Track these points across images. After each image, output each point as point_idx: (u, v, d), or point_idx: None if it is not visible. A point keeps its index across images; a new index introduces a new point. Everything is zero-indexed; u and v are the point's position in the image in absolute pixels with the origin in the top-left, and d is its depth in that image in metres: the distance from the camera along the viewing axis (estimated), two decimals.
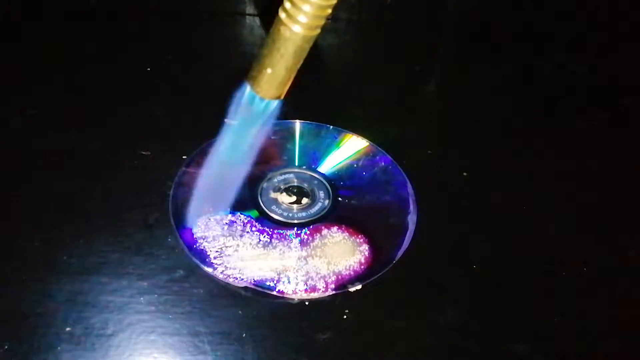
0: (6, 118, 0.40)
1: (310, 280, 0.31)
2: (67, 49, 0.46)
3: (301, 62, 0.24)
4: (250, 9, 0.52)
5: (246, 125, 0.26)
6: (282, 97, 0.25)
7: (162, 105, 0.41)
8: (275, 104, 0.25)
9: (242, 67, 0.46)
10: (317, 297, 0.31)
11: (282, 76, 0.24)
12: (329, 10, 0.23)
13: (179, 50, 0.47)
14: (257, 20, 0.51)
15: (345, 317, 0.30)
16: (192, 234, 0.33)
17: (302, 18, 0.23)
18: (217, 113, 0.40)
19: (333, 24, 0.52)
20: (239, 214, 0.34)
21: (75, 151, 0.38)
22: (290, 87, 0.26)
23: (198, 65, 0.46)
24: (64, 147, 0.38)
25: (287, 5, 0.23)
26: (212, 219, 0.33)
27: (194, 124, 0.40)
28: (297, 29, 0.23)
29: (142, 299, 0.30)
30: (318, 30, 0.24)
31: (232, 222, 0.33)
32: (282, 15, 0.23)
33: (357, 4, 0.52)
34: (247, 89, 0.25)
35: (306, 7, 0.23)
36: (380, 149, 0.38)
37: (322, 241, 0.33)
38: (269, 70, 0.24)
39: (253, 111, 0.25)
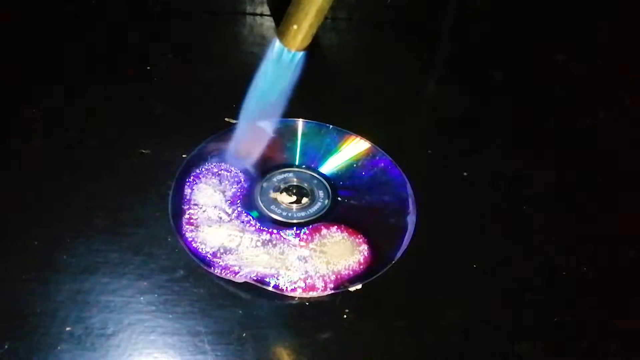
0: (6, 118, 0.40)
1: (309, 280, 0.31)
2: (67, 49, 0.46)
3: (322, 19, 0.28)
4: (250, 8, 0.52)
5: (276, 73, 0.31)
6: (305, 49, 0.30)
7: (162, 104, 0.41)
8: (299, 55, 0.30)
9: (242, 66, 0.47)
10: (317, 296, 0.31)
11: (306, 32, 0.28)
12: None
13: (179, 50, 0.47)
14: (257, 19, 0.51)
15: (345, 316, 0.30)
16: (192, 234, 0.33)
17: None
18: (217, 112, 0.40)
19: (333, 23, 0.52)
20: (240, 209, 0.34)
21: (75, 151, 0.38)
22: (312, 41, 0.30)
23: (198, 64, 0.46)
24: (64, 147, 0.38)
25: None
26: (213, 219, 0.33)
27: (194, 123, 0.40)
28: None
29: (142, 298, 0.30)
30: None
31: (232, 220, 0.33)
32: None
33: (357, 3, 0.52)
34: (276, 42, 0.29)
35: None
36: (380, 149, 0.38)
37: (322, 241, 0.33)
38: (294, 27, 0.28)
39: (281, 61, 0.30)
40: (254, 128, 0.36)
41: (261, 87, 0.32)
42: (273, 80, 0.31)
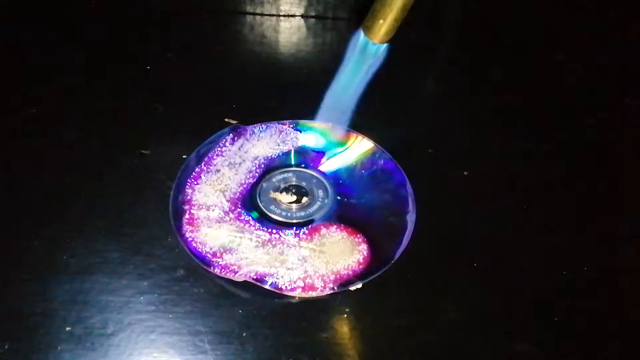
0: (6, 118, 0.40)
1: (309, 279, 0.31)
2: (67, 49, 0.46)
3: (406, 13, 0.30)
4: (250, 7, 0.52)
5: (361, 64, 0.33)
6: (388, 41, 0.31)
7: (162, 104, 0.41)
8: (384, 47, 0.32)
9: (243, 65, 0.47)
10: (317, 296, 0.31)
11: (391, 25, 0.30)
12: None
13: (179, 49, 0.47)
14: (257, 18, 0.51)
15: (345, 316, 0.30)
16: (192, 234, 0.33)
17: None
18: (217, 112, 0.40)
19: (333, 23, 0.52)
20: (239, 209, 0.34)
21: (75, 151, 0.38)
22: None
23: (198, 64, 0.46)
24: (64, 147, 0.38)
25: None
26: (213, 219, 0.33)
27: (194, 123, 0.40)
28: None
29: (142, 298, 0.30)
30: None
31: (232, 220, 0.33)
32: None
33: (357, 3, 0.52)
34: (361, 35, 0.31)
35: None
36: (380, 147, 0.38)
37: (321, 240, 0.33)
38: (381, 21, 0.30)
39: (367, 53, 0.32)
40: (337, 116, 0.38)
41: (346, 77, 0.34)
42: (358, 71, 0.33)
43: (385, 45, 0.32)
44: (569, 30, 0.52)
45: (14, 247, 0.32)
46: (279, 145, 0.38)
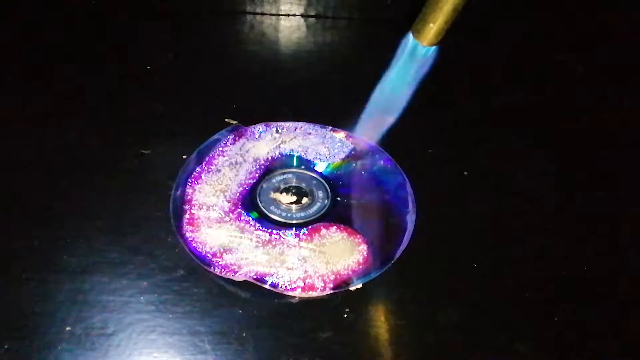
0: (6, 118, 0.40)
1: (309, 279, 0.31)
2: (67, 49, 0.46)
3: (456, 16, 0.30)
4: (250, 7, 0.52)
5: (410, 66, 0.33)
6: (438, 43, 0.31)
7: (162, 104, 0.41)
8: (432, 49, 0.32)
9: (243, 65, 0.47)
10: (317, 296, 0.31)
11: (441, 28, 0.30)
12: None
13: (179, 49, 0.47)
14: (257, 18, 0.51)
15: (345, 316, 0.30)
16: (192, 234, 0.33)
17: None
18: (217, 112, 0.40)
19: (333, 22, 0.52)
20: (240, 209, 0.34)
21: (75, 151, 0.38)
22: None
23: (198, 64, 0.46)
24: (64, 147, 0.38)
25: None
26: (213, 219, 0.33)
27: (194, 123, 0.40)
28: None
29: (142, 298, 0.30)
30: None
31: (232, 220, 0.33)
32: None
33: (357, 3, 0.52)
34: (411, 38, 0.31)
35: None
36: (380, 148, 0.38)
37: (321, 241, 0.33)
38: (431, 25, 0.30)
39: (416, 56, 0.32)
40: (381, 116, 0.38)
41: (395, 79, 0.34)
42: (408, 73, 0.33)
43: (434, 47, 0.32)
44: (569, 30, 0.52)
45: (14, 247, 0.32)
46: (280, 145, 0.38)
